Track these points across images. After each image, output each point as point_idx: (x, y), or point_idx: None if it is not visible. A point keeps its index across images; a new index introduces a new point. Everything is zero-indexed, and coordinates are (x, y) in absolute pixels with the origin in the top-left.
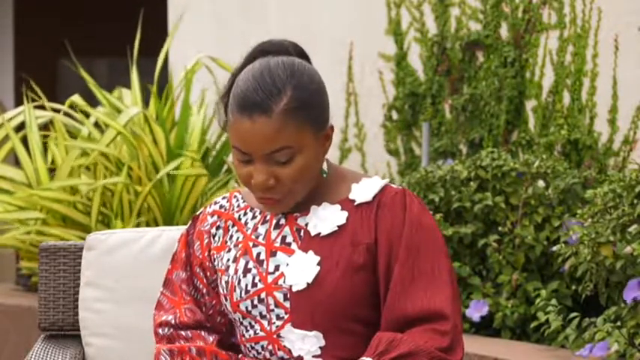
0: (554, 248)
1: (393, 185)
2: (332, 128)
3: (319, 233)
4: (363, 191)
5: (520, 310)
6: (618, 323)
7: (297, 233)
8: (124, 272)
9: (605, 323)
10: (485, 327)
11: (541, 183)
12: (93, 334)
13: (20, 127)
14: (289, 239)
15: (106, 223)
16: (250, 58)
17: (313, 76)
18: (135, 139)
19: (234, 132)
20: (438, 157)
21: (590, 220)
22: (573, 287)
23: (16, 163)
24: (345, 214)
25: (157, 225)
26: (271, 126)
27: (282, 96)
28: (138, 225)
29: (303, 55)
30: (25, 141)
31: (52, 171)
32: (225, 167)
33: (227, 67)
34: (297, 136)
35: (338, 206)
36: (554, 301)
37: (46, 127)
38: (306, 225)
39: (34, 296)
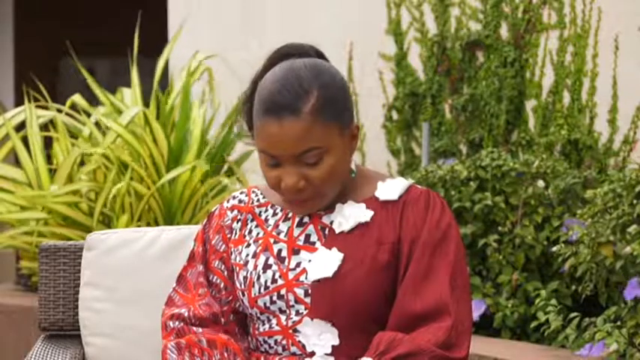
0: (554, 248)
1: (417, 186)
2: (357, 127)
3: (344, 231)
4: (388, 190)
5: (520, 310)
6: (618, 323)
7: (322, 232)
8: (124, 272)
9: (605, 323)
10: (485, 327)
11: (541, 183)
12: (93, 334)
13: (20, 127)
14: (314, 238)
15: (106, 223)
16: (271, 62)
17: (336, 75)
18: (136, 139)
19: (261, 136)
20: (438, 157)
21: (590, 220)
22: (573, 287)
23: (17, 162)
24: (371, 212)
25: (157, 226)
26: (300, 126)
27: (309, 96)
28: (138, 226)
29: (321, 56)
30: (25, 140)
31: (52, 172)
32: (225, 167)
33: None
34: (325, 135)
35: (363, 205)
36: (554, 301)
37: (46, 127)
38: (331, 223)
39: (34, 296)
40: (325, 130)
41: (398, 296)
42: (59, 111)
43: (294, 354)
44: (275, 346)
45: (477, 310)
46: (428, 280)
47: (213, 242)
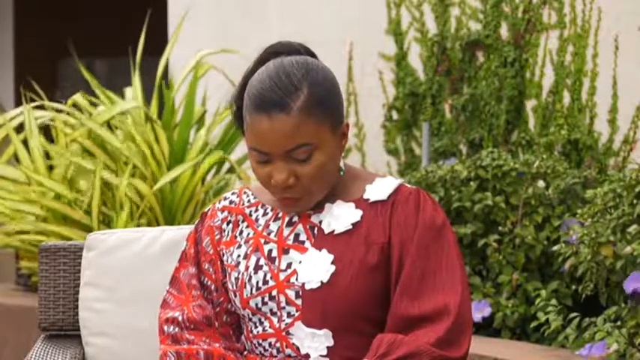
0: (555, 248)
1: (407, 185)
2: (347, 125)
3: (333, 231)
4: (377, 191)
5: (520, 310)
6: (618, 323)
7: (311, 231)
8: (124, 272)
9: (605, 323)
10: (486, 327)
11: (541, 183)
12: (93, 334)
13: (20, 127)
14: (302, 237)
15: (106, 223)
16: (262, 60)
17: (327, 73)
18: (138, 137)
19: (252, 132)
20: (438, 157)
21: (590, 220)
22: (573, 287)
23: (17, 162)
24: (360, 212)
25: (158, 225)
26: (290, 123)
27: (299, 93)
28: (139, 225)
29: (311, 54)
30: (25, 140)
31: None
32: (227, 166)
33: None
34: (315, 132)
35: (352, 204)
36: (554, 301)
37: (46, 127)
38: (320, 223)
39: (34, 296)
40: (315, 127)
41: (395, 298)
42: (59, 111)
43: (289, 356)
44: (270, 349)
45: (481, 312)
46: (425, 281)
47: (204, 244)
